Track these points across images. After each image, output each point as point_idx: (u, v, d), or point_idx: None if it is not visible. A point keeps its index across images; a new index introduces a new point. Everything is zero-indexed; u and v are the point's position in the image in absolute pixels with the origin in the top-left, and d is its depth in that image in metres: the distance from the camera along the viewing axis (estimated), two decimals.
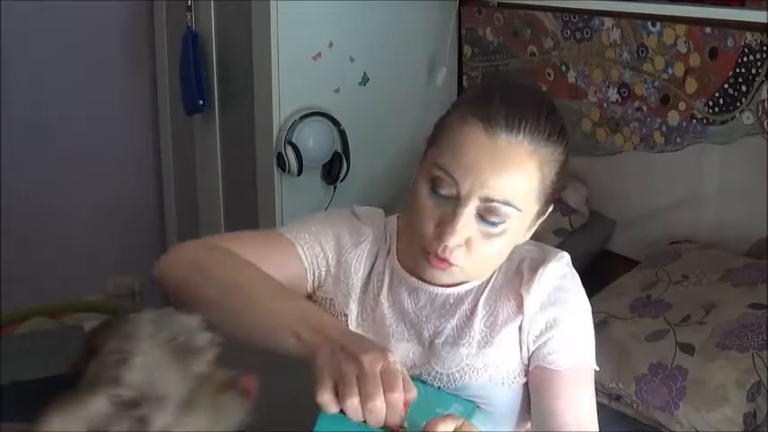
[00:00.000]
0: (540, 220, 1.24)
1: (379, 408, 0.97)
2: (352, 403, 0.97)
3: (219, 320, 1.08)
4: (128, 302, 3.64)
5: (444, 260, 1.17)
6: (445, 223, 1.14)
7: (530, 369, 1.24)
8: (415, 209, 1.18)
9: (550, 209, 1.24)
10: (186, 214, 3.58)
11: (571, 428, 1.19)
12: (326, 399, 0.99)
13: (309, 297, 1.31)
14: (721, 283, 2.21)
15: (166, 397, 0.98)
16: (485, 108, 1.14)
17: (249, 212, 3.15)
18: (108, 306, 3.55)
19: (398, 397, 0.98)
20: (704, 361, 2.01)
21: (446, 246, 1.15)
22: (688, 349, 2.04)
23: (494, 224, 1.15)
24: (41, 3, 3.35)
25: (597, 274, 2.46)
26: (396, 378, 0.99)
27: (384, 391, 0.98)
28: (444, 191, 1.15)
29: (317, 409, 1.03)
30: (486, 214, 1.14)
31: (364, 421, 0.98)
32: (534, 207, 1.19)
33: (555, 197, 1.22)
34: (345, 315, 1.28)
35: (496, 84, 1.25)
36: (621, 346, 2.10)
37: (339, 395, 0.98)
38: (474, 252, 1.17)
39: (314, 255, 1.29)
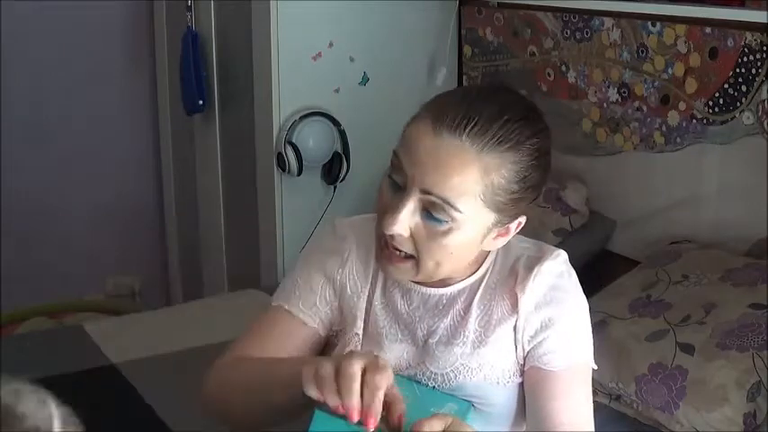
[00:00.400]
0: (512, 233, 1.22)
1: (354, 399, 0.99)
2: (332, 397, 1.01)
3: (261, 419, 1.24)
4: (128, 302, 3.65)
5: (391, 250, 1.18)
6: (393, 210, 1.15)
7: (525, 369, 1.24)
8: (377, 200, 1.21)
9: (518, 222, 1.21)
10: (186, 214, 3.58)
11: (566, 429, 1.19)
12: (311, 389, 1.03)
13: (328, 342, 1.34)
14: (721, 283, 2.21)
15: None
16: (439, 106, 1.15)
17: (249, 212, 3.15)
18: (108, 306, 3.56)
19: (378, 390, 1.00)
20: (704, 361, 2.00)
21: (391, 235, 1.16)
22: (688, 349, 2.04)
23: (438, 221, 1.14)
24: (41, 3, 3.36)
25: (597, 274, 2.46)
26: (375, 372, 1.01)
27: (363, 385, 1.00)
28: (397, 178, 1.16)
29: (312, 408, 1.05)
30: (429, 208, 1.14)
31: (359, 422, 0.99)
32: (484, 213, 1.15)
33: (516, 209, 1.18)
34: (357, 334, 1.29)
35: (481, 85, 1.23)
36: (621, 346, 2.10)
37: (319, 390, 1.02)
38: (420, 246, 1.16)
39: (311, 305, 1.30)
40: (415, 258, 1.18)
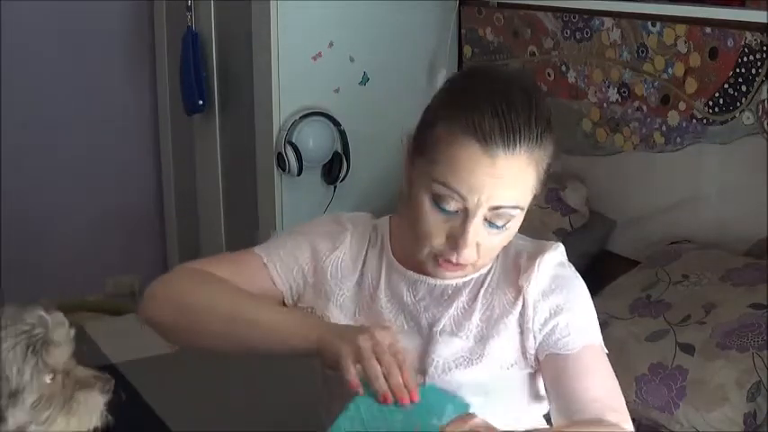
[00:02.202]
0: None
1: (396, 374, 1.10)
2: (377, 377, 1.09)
3: (224, 347, 1.25)
4: (128, 302, 3.65)
5: (458, 265, 1.22)
6: (456, 237, 1.18)
7: (541, 359, 1.26)
8: (419, 220, 1.21)
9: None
10: (186, 214, 3.58)
11: (602, 403, 1.20)
12: (353, 377, 1.10)
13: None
14: (721, 283, 2.21)
15: (21, 391, 0.98)
16: (477, 123, 1.14)
17: (249, 212, 3.15)
18: (108, 306, 3.56)
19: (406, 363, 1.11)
20: (704, 361, 2.01)
21: (460, 256, 1.19)
22: (688, 349, 2.04)
23: (501, 227, 1.20)
24: (41, 3, 3.36)
25: (597, 274, 2.46)
26: (398, 349, 1.13)
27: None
28: (450, 206, 1.17)
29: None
30: (493, 219, 1.18)
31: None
32: (532, 196, 1.22)
33: (545, 180, 1.25)
34: (326, 317, 1.32)
35: (478, 83, 1.20)
36: (621, 346, 2.10)
37: (364, 370, 1.10)
38: (482, 251, 1.21)
39: (287, 270, 1.33)
40: (476, 263, 1.23)
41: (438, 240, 1.20)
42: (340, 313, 1.31)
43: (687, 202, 2.55)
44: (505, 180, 1.16)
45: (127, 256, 3.74)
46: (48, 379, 1.01)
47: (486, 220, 1.18)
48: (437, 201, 1.18)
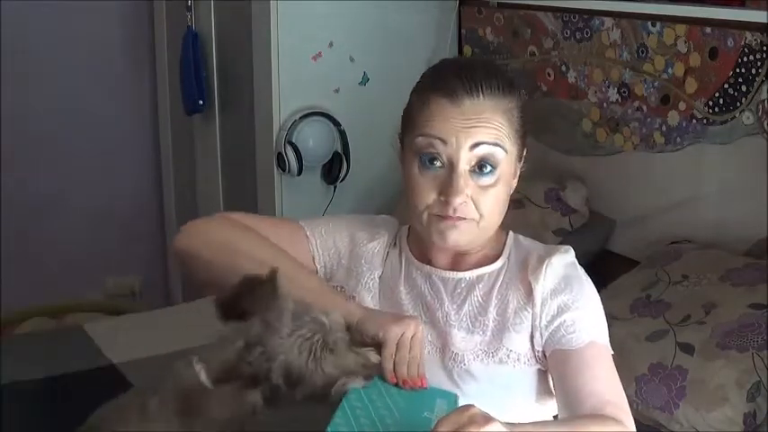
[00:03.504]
0: (521, 165, 1.36)
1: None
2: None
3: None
4: (128, 302, 3.65)
5: (457, 219, 1.27)
6: (446, 187, 1.25)
7: (548, 355, 1.29)
8: (412, 189, 1.29)
9: (524, 152, 1.36)
10: (186, 214, 3.58)
11: (599, 397, 1.23)
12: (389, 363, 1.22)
13: None
14: (721, 283, 2.21)
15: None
16: (442, 83, 1.28)
17: (249, 212, 3.14)
18: (108, 306, 3.57)
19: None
20: (704, 361, 2.01)
21: (454, 208, 1.26)
22: (688, 349, 2.04)
23: (489, 173, 1.27)
24: (41, 2, 3.36)
25: (597, 274, 2.44)
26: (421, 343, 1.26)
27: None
28: (433, 153, 1.27)
29: None
30: (479, 164, 1.26)
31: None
32: (514, 149, 1.30)
33: (524, 140, 1.34)
34: (353, 298, 1.38)
35: (447, 61, 1.39)
36: (621, 346, 2.10)
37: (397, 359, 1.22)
38: (479, 206, 1.27)
39: (326, 248, 1.43)
40: (475, 219, 1.28)
41: (431, 197, 1.27)
42: (368, 295, 1.38)
43: (687, 202, 2.55)
44: (477, 121, 1.25)
45: (127, 256, 3.74)
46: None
47: (471, 169, 1.26)
48: (422, 158, 1.27)
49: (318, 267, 1.42)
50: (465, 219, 1.27)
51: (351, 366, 1.14)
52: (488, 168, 1.26)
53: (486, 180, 1.27)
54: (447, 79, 1.28)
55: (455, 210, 1.25)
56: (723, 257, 2.34)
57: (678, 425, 1.99)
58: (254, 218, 1.45)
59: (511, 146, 1.29)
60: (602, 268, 2.61)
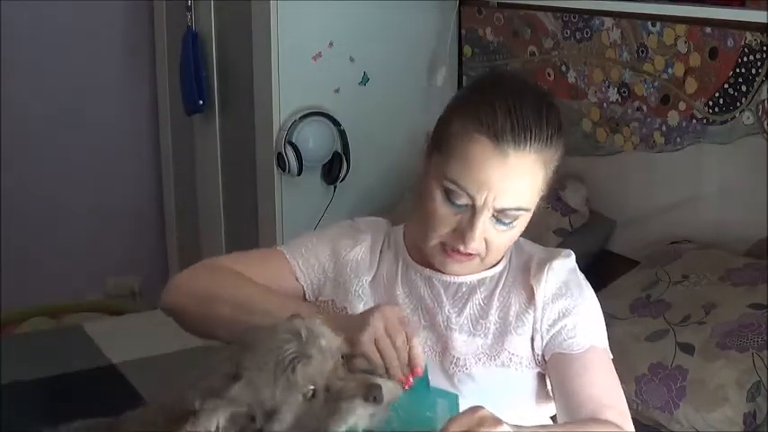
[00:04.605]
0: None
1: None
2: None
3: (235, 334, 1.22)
4: (128, 302, 3.65)
5: (466, 255, 1.27)
6: (464, 230, 1.24)
7: (547, 359, 1.29)
8: (430, 214, 1.26)
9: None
10: (186, 214, 3.58)
11: (599, 401, 1.23)
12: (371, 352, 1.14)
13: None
14: (721, 283, 2.21)
15: (278, 411, 1.01)
16: (489, 120, 1.20)
17: (249, 212, 3.15)
18: (108, 306, 3.57)
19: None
20: (704, 361, 2.01)
21: (466, 249, 1.25)
22: (688, 349, 2.05)
23: (508, 224, 1.25)
24: (41, 3, 3.36)
25: (597, 274, 2.45)
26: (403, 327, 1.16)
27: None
28: (459, 201, 1.23)
29: None
30: (500, 217, 1.24)
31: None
32: (539, 197, 1.27)
33: (555, 177, 1.29)
34: (344, 308, 1.36)
35: (493, 84, 1.27)
36: (621, 346, 2.10)
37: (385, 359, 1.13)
38: (490, 246, 1.26)
39: (309, 266, 1.39)
40: (481, 255, 1.27)
41: (447, 230, 1.25)
42: (359, 303, 1.35)
43: (687, 202, 2.55)
44: (514, 179, 1.21)
45: (127, 256, 3.74)
46: (301, 397, 1.01)
47: (493, 216, 1.23)
48: (448, 196, 1.24)
49: (304, 286, 1.39)
50: (471, 254, 1.26)
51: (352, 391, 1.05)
52: (509, 221, 1.25)
53: (503, 228, 1.26)
54: (495, 117, 1.20)
55: (467, 246, 1.25)
56: (723, 257, 2.34)
57: (678, 425, 1.99)
58: (238, 257, 1.42)
59: (536, 198, 1.26)
60: (602, 268, 2.62)
